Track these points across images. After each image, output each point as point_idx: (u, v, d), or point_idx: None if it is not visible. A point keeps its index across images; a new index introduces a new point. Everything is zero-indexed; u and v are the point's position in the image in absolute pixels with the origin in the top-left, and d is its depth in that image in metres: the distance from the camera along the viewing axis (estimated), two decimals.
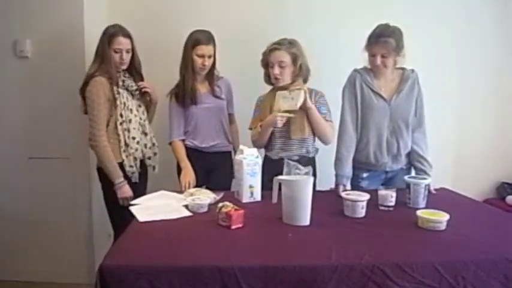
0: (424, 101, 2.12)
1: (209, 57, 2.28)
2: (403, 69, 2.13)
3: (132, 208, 1.78)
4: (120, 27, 2.13)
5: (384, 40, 1.99)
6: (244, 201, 1.86)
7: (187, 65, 2.29)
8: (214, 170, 2.40)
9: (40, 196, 2.58)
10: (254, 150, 1.94)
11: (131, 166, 2.14)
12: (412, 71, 2.12)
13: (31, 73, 2.49)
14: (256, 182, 1.90)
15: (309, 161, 2.18)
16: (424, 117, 2.14)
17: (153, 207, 1.79)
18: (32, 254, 2.62)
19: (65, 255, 2.60)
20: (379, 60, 2.02)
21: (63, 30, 2.43)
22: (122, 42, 2.10)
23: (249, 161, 1.88)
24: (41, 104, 2.50)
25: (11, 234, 2.61)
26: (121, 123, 2.11)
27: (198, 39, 2.26)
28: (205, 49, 2.25)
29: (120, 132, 2.11)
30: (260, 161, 1.93)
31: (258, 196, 1.90)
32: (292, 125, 2.14)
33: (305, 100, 2.03)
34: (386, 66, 2.04)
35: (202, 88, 2.37)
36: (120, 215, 2.11)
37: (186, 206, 1.77)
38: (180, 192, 2.03)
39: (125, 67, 2.16)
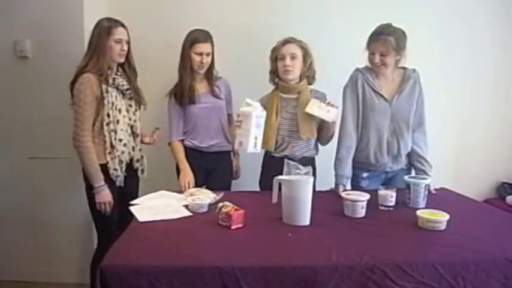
0: (424, 101, 2.12)
1: (207, 55, 2.28)
2: (404, 68, 2.13)
3: (132, 208, 1.78)
4: (115, 19, 2.09)
5: (383, 38, 1.98)
6: (249, 151, 1.87)
7: (185, 64, 2.29)
8: (213, 169, 2.40)
9: (40, 196, 2.58)
10: (259, 104, 1.95)
11: (115, 169, 2.05)
12: (414, 70, 2.11)
13: (31, 73, 2.49)
14: (260, 133, 1.91)
15: (309, 161, 2.19)
16: (425, 117, 2.13)
17: (153, 207, 1.79)
18: (32, 254, 2.62)
19: (65, 255, 2.61)
20: (377, 58, 2.02)
21: (63, 30, 2.42)
22: (123, 33, 2.07)
23: (257, 113, 1.89)
24: (41, 104, 2.49)
25: (11, 234, 2.61)
26: (107, 124, 2.02)
27: (196, 37, 2.26)
28: (203, 47, 2.25)
29: (106, 133, 2.02)
30: (264, 113, 1.94)
31: (259, 148, 1.93)
32: (302, 126, 2.13)
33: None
34: (385, 65, 2.04)
35: (201, 88, 2.36)
36: (102, 219, 2.09)
37: (186, 206, 1.77)
38: (180, 192, 2.03)
39: (123, 60, 2.09)
